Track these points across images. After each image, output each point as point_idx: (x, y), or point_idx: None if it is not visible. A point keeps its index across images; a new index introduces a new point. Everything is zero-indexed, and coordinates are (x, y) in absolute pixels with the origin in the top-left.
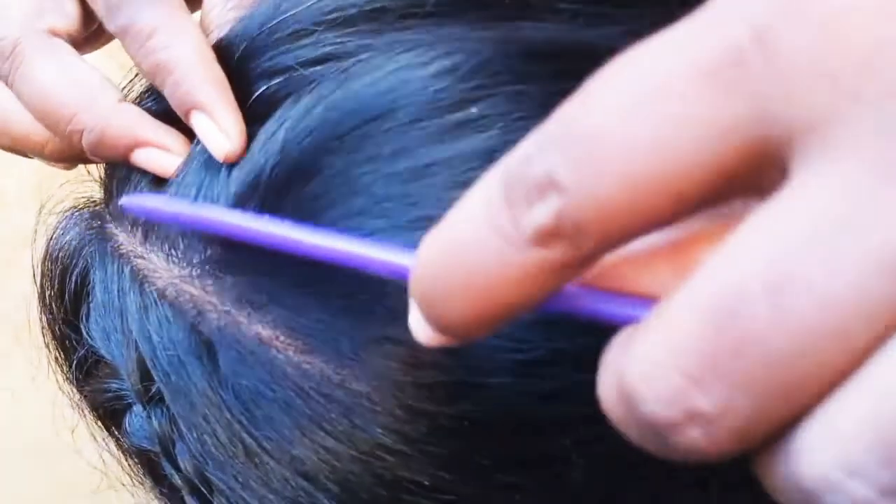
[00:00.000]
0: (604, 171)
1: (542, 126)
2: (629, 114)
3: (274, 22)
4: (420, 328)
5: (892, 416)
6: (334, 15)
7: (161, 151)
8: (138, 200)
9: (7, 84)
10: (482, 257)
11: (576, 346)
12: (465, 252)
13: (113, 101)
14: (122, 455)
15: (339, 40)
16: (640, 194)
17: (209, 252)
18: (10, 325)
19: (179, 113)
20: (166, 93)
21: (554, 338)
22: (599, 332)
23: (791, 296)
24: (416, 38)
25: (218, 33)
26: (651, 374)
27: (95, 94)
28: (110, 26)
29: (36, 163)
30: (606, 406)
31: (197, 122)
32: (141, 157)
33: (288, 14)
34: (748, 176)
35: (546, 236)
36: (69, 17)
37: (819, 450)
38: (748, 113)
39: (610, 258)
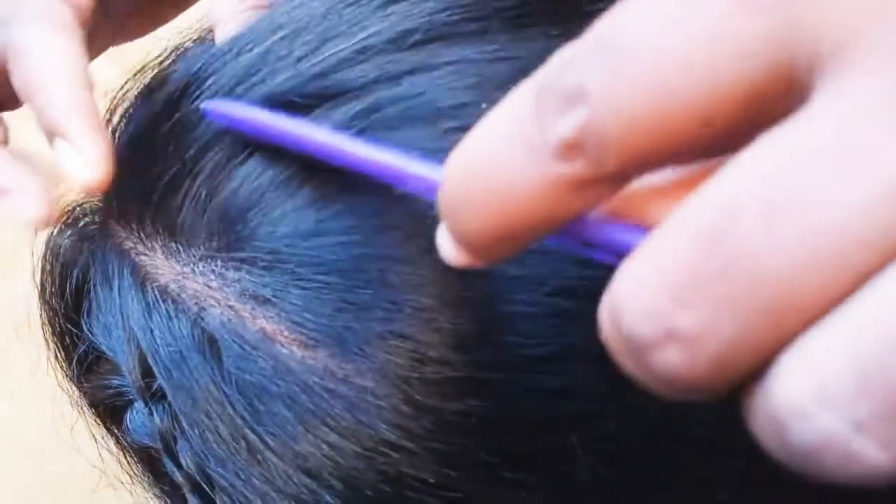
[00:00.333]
0: (632, 84)
1: (579, 39)
2: (662, 27)
3: None
4: (446, 247)
5: (874, 348)
6: None
7: (17, 197)
8: (220, 106)
9: None
10: (506, 168)
11: (584, 341)
12: (490, 162)
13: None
14: (121, 453)
15: None
16: (667, 111)
17: (214, 244)
18: (10, 323)
19: (46, 138)
20: (35, 114)
21: (562, 333)
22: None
23: (788, 215)
24: None
25: (229, 28)
26: (636, 290)
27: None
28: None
29: None
30: (600, 327)
31: (58, 149)
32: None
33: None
34: (774, 101)
35: (570, 148)
36: None
37: (794, 378)
38: (779, 31)
39: (629, 190)
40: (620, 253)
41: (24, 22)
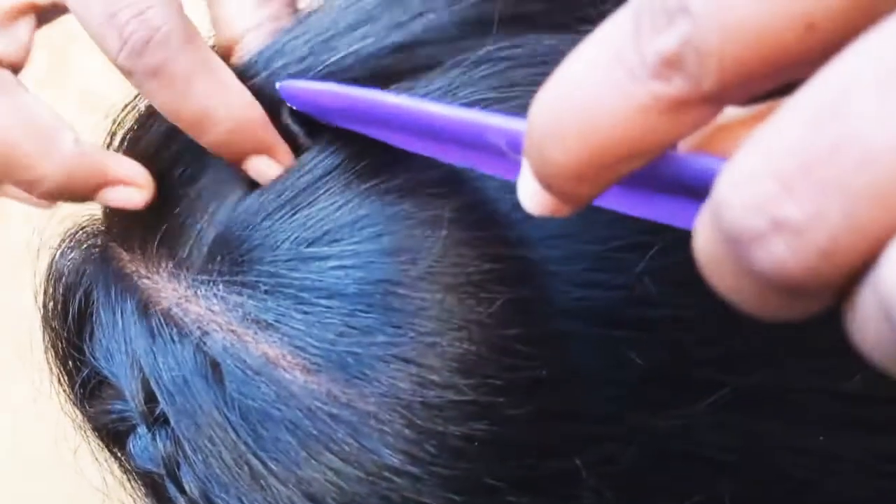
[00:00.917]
0: None
1: None
2: None
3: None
4: (530, 195)
5: None
6: None
7: (130, 187)
8: (295, 84)
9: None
10: (599, 94)
11: (586, 363)
12: (582, 90)
13: (71, 144)
14: (125, 477)
15: None
16: (769, 15)
17: (216, 267)
18: (13, 342)
19: (231, 158)
20: (212, 140)
21: (563, 356)
22: (609, 353)
23: None
24: None
25: (245, 52)
26: (740, 181)
27: (53, 138)
28: (127, 63)
29: None
30: (695, 241)
31: (258, 164)
32: (110, 196)
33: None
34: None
35: (669, 65)
36: (19, 45)
37: None
38: None
39: (716, 124)
40: (704, 189)
41: (178, 47)
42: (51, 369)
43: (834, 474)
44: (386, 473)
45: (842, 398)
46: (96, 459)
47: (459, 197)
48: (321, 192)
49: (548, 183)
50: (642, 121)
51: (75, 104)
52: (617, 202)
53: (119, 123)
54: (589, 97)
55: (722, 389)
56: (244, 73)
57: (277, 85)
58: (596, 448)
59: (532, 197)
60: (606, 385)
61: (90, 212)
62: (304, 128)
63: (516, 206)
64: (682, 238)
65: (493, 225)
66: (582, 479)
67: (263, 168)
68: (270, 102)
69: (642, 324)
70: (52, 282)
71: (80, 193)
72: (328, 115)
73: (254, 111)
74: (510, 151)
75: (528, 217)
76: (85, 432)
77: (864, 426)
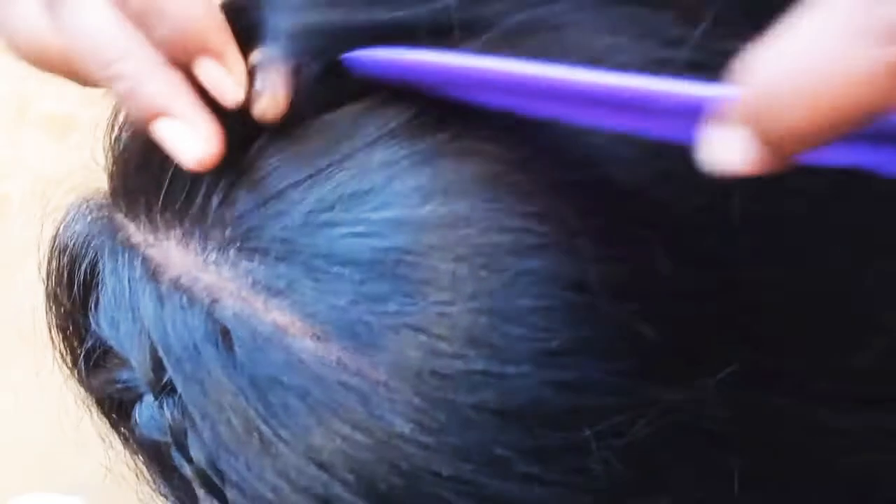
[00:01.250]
0: None
1: None
2: None
3: None
4: (735, 154)
5: None
6: None
7: (186, 130)
8: (363, 54)
9: (53, 12)
10: (834, 55)
11: (596, 336)
12: (815, 53)
13: (157, 59)
14: (128, 451)
15: None
16: None
17: (227, 234)
18: (14, 327)
19: (178, 61)
20: (158, 37)
21: (575, 327)
22: (620, 326)
23: None
24: None
25: None
26: None
27: (143, 44)
28: None
29: (40, 170)
30: None
31: (206, 67)
32: (162, 129)
33: None
34: None
35: None
36: None
37: None
38: None
39: None
40: None
41: None
42: (53, 343)
43: (843, 450)
44: (395, 441)
45: (850, 375)
46: (100, 436)
47: (473, 166)
48: (335, 160)
49: (776, 144)
50: (877, 83)
51: (77, 97)
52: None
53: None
54: (823, 61)
55: (731, 366)
56: None
57: (342, 57)
58: (606, 420)
59: (738, 157)
60: (617, 358)
61: (96, 185)
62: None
63: (531, 178)
64: (695, 213)
65: (507, 196)
66: (591, 451)
67: (209, 72)
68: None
69: (654, 298)
70: (57, 254)
71: (138, 111)
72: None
73: (204, 10)
74: (698, 115)
75: (542, 189)
76: (89, 408)
77: (872, 403)
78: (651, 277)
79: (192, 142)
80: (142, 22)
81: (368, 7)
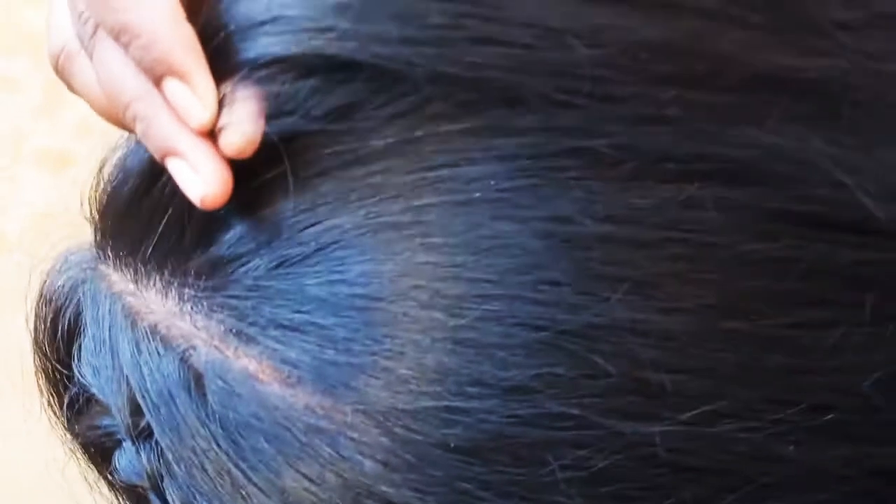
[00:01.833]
0: None
1: None
2: None
3: None
4: None
5: None
6: None
7: (190, 169)
8: None
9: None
10: None
11: (558, 372)
12: None
13: (160, 99)
14: (113, 495)
15: None
16: None
17: (202, 283)
18: (3, 368)
19: (151, 78)
20: (132, 55)
21: (536, 363)
22: (580, 361)
23: None
24: None
25: None
26: None
27: (146, 82)
28: None
29: (35, 207)
30: None
31: (170, 89)
32: (171, 168)
33: None
34: None
35: None
36: None
37: None
38: None
39: None
40: None
41: None
42: (41, 391)
43: (798, 482)
44: (363, 481)
45: (814, 410)
46: (86, 481)
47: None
48: (301, 214)
49: None
50: None
51: (72, 131)
52: None
53: (115, 149)
54: None
55: (694, 404)
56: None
57: None
58: (569, 454)
59: None
60: (580, 392)
61: (83, 237)
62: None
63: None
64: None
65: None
66: (556, 484)
67: (174, 93)
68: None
69: (610, 334)
70: (43, 304)
71: (153, 149)
72: None
73: (170, 29)
74: None
75: (488, 249)
76: (75, 453)
77: (837, 437)
78: (603, 315)
79: (194, 182)
80: (118, 40)
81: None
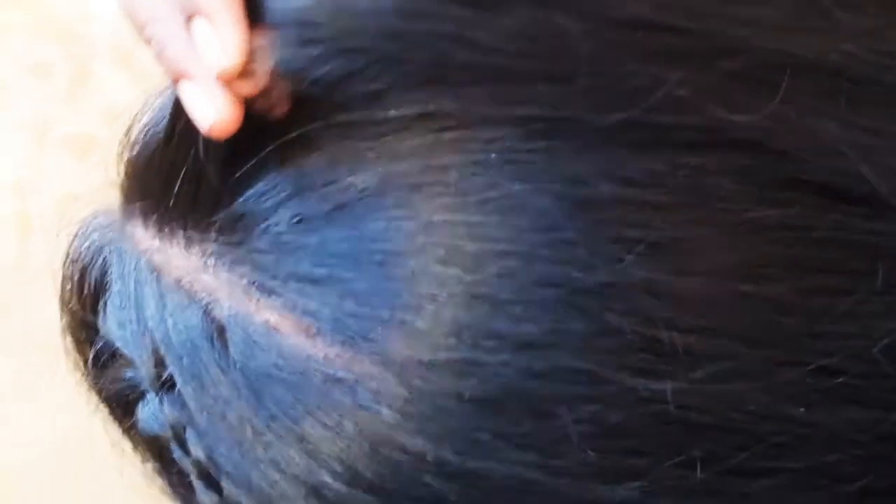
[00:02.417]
0: None
1: None
2: None
3: None
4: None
5: None
6: None
7: (201, 94)
8: None
9: None
10: None
11: (573, 329)
12: None
13: (181, 21)
14: (136, 452)
15: None
16: None
17: (225, 238)
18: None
19: (181, 14)
20: None
21: (550, 319)
22: (594, 319)
23: None
24: None
25: None
26: None
27: (171, 6)
28: None
29: (59, 189)
30: None
31: (195, 27)
32: (182, 91)
33: None
34: None
35: None
36: None
37: None
38: None
39: None
40: None
41: None
42: (68, 352)
43: (808, 442)
44: (380, 430)
45: (825, 373)
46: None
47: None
48: (321, 171)
49: None
50: None
51: (97, 118)
52: None
53: (136, 118)
54: None
55: (706, 364)
56: None
57: None
58: (581, 408)
59: None
60: (593, 348)
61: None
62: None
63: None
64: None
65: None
66: (568, 437)
67: (197, 32)
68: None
69: (623, 293)
70: (70, 261)
71: (168, 72)
72: None
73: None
74: None
75: (504, 209)
76: (98, 408)
77: (847, 400)
78: (620, 275)
79: (205, 107)
80: None
81: None
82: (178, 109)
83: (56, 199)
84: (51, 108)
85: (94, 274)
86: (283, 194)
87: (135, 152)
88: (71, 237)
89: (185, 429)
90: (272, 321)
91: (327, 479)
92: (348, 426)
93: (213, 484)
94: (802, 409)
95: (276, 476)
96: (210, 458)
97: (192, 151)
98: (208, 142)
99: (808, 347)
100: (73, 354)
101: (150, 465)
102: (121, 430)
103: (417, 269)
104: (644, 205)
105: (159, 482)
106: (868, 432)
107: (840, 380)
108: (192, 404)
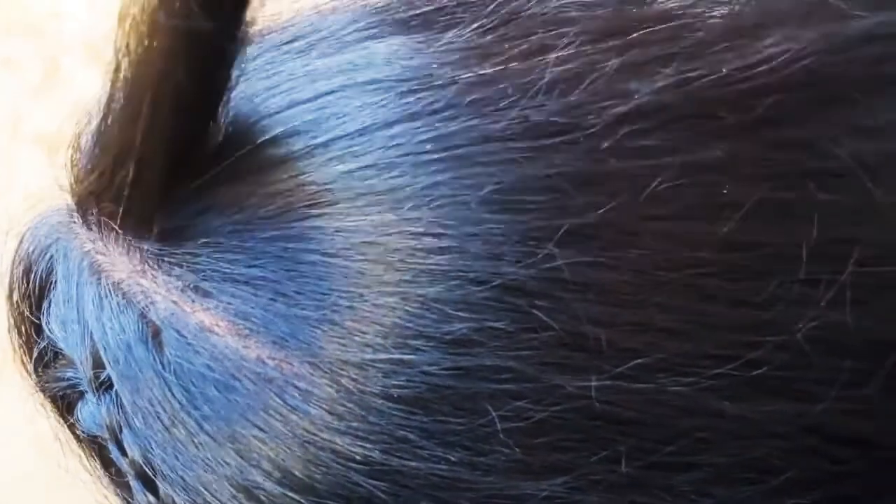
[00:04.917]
0: None
1: None
2: None
3: None
4: None
5: None
6: None
7: None
8: None
9: None
10: None
11: (500, 326)
12: None
13: None
14: (80, 447)
15: None
16: None
17: (166, 243)
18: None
19: None
20: None
21: (478, 318)
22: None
23: None
24: None
25: None
26: None
27: None
28: None
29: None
30: None
31: None
32: None
33: None
34: None
35: None
36: None
37: None
38: None
39: None
40: None
41: None
42: (14, 349)
43: (733, 436)
44: (310, 429)
45: (748, 365)
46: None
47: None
48: (255, 175)
49: None
50: None
51: (68, 114)
52: None
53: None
54: None
55: (631, 360)
56: None
57: None
58: (507, 405)
59: None
60: (518, 346)
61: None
62: None
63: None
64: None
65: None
66: (495, 435)
67: None
68: None
69: (548, 288)
70: (17, 259)
71: None
72: None
73: None
74: None
75: (430, 204)
76: (44, 406)
77: (771, 392)
78: (550, 272)
79: None
80: None
81: None
82: (122, 112)
83: (25, 195)
84: (22, 104)
85: (40, 272)
86: (221, 199)
87: (81, 152)
88: (20, 234)
89: (121, 429)
90: (206, 322)
91: (259, 479)
92: (278, 426)
93: (149, 484)
94: (727, 403)
95: (210, 477)
96: (145, 458)
97: (135, 158)
98: (149, 151)
99: (730, 339)
100: (19, 352)
101: (92, 464)
102: (66, 429)
103: (346, 270)
104: (563, 198)
105: (104, 481)
106: (793, 424)
107: (764, 370)
108: (128, 405)
